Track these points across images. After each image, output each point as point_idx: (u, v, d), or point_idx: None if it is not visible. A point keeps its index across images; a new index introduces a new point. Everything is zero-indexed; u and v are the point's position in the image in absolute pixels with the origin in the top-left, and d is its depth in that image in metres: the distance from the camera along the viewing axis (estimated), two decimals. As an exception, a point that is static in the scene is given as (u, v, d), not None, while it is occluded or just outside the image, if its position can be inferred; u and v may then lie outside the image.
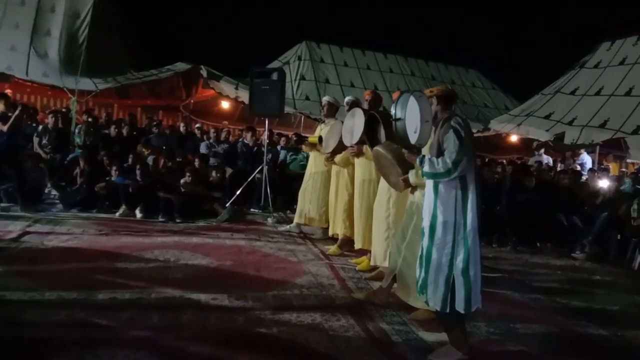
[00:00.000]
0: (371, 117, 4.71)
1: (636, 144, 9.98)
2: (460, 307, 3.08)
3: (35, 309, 3.48)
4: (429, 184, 3.23)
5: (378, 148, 4.25)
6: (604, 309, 4.61)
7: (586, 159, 11.17)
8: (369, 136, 4.72)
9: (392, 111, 3.23)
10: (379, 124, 4.62)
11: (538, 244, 7.41)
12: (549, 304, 4.60)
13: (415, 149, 3.28)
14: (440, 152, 3.14)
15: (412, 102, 3.17)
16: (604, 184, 8.47)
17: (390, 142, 4.19)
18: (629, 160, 11.50)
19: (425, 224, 3.23)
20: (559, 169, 10.85)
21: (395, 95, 4.79)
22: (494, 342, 3.53)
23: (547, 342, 3.61)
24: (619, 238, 7.05)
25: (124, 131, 9.56)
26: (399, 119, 3.20)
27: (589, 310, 4.48)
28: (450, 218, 3.11)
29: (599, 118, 11.13)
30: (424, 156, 3.20)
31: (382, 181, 4.77)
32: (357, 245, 5.33)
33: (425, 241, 3.20)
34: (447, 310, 3.09)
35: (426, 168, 3.14)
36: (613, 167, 11.38)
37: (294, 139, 10.38)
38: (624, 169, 11.48)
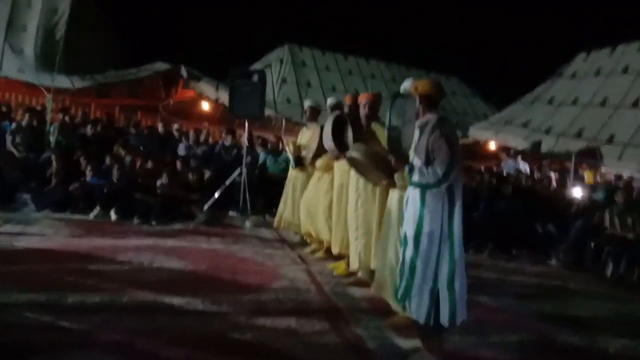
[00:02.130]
0: (339, 119, 4.71)
1: (610, 153, 10.21)
2: (444, 321, 3.04)
3: (3, 311, 3.37)
4: (415, 192, 3.11)
5: (352, 154, 4.16)
6: (577, 315, 4.67)
7: (522, 165, 11.54)
8: (337, 139, 4.73)
9: (387, 119, 3.10)
10: (347, 126, 4.63)
11: (514, 251, 7.49)
12: (524, 310, 4.64)
13: (404, 157, 3.18)
14: (428, 159, 3.06)
15: (403, 106, 3.07)
16: (577, 193, 8.63)
17: (359, 144, 4.11)
18: (603, 170, 11.73)
19: (410, 233, 3.11)
20: (536, 177, 11.03)
21: (362, 97, 4.78)
22: (468, 348, 3.53)
23: (521, 348, 3.63)
24: (593, 246, 7.17)
25: (101, 131, 9.38)
26: (394, 127, 3.08)
27: (563, 317, 4.53)
28: (436, 229, 3.02)
29: (575, 127, 11.38)
30: (412, 165, 3.11)
31: (351, 183, 4.78)
32: (335, 249, 5.31)
33: (409, 251, 3.10)
34: (431, 323, 3.05)
35: (415, 178, 3.03)
36: (588, 175, 11.60)
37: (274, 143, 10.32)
38: (598, 179, 11.71)
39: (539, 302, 4.96)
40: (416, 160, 3.11)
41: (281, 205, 6.62)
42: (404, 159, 3.17)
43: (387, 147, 3.19)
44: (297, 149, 6.34)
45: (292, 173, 6.58)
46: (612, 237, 6.92)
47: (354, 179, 4.73)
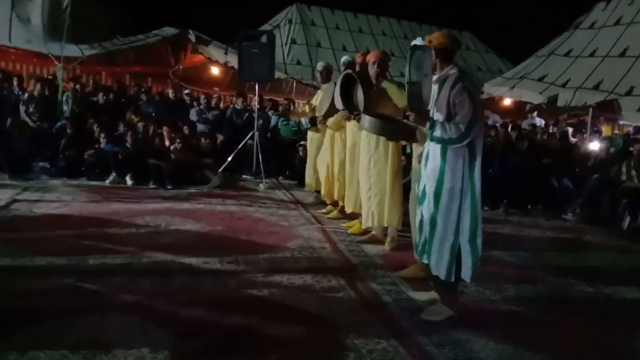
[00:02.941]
0: (348, 77, 4.63)
1: (629, 105, 9.95)
2: (466, 276, 3.04)
3: (25, 275, 3.47)
4: (436, 148, 3.04)
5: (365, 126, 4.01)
6: (593, 267, 4.68)
7: (537, 121, 11.31)
8: (345, 98, 4.65)
9: (406, 73, 2.99)
10: (357, 85, 4.54)
11: (529, 207, 7.45)
12: (539, 263, 4.65)
13: (425, 112, 3.09)
14: (449, 114, 2.99)
15: (421, 60, 2.94)
16: (594, 146, 8.48)
17: (368, 119, 3.86)
18: (621, 122, 11.49)
19: (429, 189, 3.07)
20: (551, 131, 10.84)
21: (372, 55, 4.66)
22: (483, 302, 3.56)
23: (537, 301, 3.65)
24: (609, 199, 7.09)
25: (112, 98, 9.39)
26: (414, 83, 2.97)
27: (578, 269, 4.53)
28: (457, 185, 2.97)
29: (593, 79, 11.07)
30: (434, 120, 3.03)
31: (363, 143, 4.75)
32: (348, 209, 5.32)
33: (429, 207, 3.07)
34: (452, 279, 3.06)
35: (437, 133, 2.95)
36: (605, 129, 11.37)
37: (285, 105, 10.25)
38: (616, 132, 11.48)
39: (554, 255, 4.97)
40: (437, 115, 3.04)
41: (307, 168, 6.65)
42: (424, 114, 3.09)
43: (408, 103, 3.11)
44: (313, 110, 6.29)
45: (309, 134, 6.55)
46: (628, 190, 6.82)
47: (366, 139, 4.69)
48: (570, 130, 11.05)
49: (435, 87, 3.11)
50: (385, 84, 4.53)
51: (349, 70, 5.07)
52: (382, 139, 4.41)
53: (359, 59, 5.30)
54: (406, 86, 2.99)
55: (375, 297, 3.45)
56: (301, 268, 3.96)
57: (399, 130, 3.78)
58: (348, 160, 5.29)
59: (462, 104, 2.93)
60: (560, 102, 11.22)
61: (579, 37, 12.89)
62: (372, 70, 4.61)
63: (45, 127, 8.48)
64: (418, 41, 3.40)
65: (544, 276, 4.26)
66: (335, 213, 5.89)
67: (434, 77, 3.08)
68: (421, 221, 3.21)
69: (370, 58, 4.68)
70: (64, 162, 7.49)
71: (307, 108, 6.53)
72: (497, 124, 10.77)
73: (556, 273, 4.35)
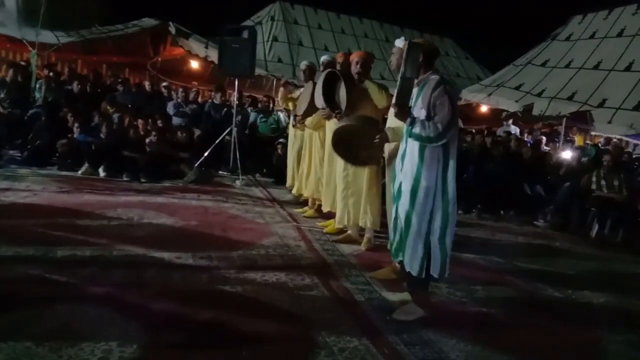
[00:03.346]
0: (331, 75, 4.63)
1: (601, 117, 10.22)
2: (435, 272, 3.11)
3: (-10, 264, 3.37)
4: (414, 147, 3.12)
5: (341, 125, 4.14)
6: (561, 273, 4.77)
7: (512, 129, 11.55)
8: (326, 96, 4.66)
9: (402, 67, 3.04)
10: (340, 83, 4.55)
11: (502, 212, 7.58)
12: (509, 267, 4.73)
13: (407, 108, 3.17)
14: (428, 115, 3.06)
15: (417, 58, 3.01)
16: (567, 155, 8.68)
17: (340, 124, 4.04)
18: (593, 133, 11.78)
19: (406, 187, 3.13)
20: (526, 139, 11.07)
21: (355, 55, 4.70)
22: (454, 303, 3.60)
23: (506, 303, 3.71)
24: (579, 207, 7.26)
25: (88, 88, 9.20)
26: (409, 78, 3.03)
27: (548, 274, 4.63)
28: (432, 184, 3.06)
29: (568, 90, 11.33)
30: (415, 117, 3.09)
31: None
32: (325, 208, 5.33)
33: (405, 205, 3.13)
34: (423, 276, 3.11)
35: (416, 130, 3.03)
36: (578, 139, 11.66)
37: (264, 102, 10.21)
38: (588, 142, 11.78)
39: (524, 260, 5.05)
40: (418, 112, 3.10)
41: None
42: (406, 109, 3.14)
43: (396, 97, 3.14)
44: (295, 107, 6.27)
45: (290, 133, 6.53)
46: (598, 199, 7.00)
47: None
48: (544, 139, 11.30)
49: (414, 90, 3.17)
50: (367, 84, 4.55)
51: (332, 69, 5.08)
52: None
53: (339, 59, 5.30)
54: (399, 80, 3.04)
55: (348, 295, 3.46)
56: (275, 265, 3.94)
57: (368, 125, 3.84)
58: (326, 160, 5.29)
59: (442, 106, 3.02)
60: (536, 111, 11.44)
61: (555, 48, 13.18)
62: (354, 69, 4.62)
63: (17, 114, 8.25)
64: (400, 42, 3.47)
65: (514, 280, 4.33)
66: (311, 212, 5.89)
67: (415, 80, 3.14)
68: (396, 219, 3.26)
69: (354, 58, 4.69)
70: (34, 151, 7.30)
71: (290, 105, 6.49)
72: (515, 133, 10.95)
73: (526, 277, 4.43)
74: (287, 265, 3.99)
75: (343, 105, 4.54)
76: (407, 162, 3.17)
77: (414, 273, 3.13)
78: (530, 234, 6.66)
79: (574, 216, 7.24)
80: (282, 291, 3.41)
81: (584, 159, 8.91)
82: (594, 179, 7.26)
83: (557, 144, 10.41)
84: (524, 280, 4.32)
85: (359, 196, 4.67)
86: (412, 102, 3.19)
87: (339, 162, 4.78)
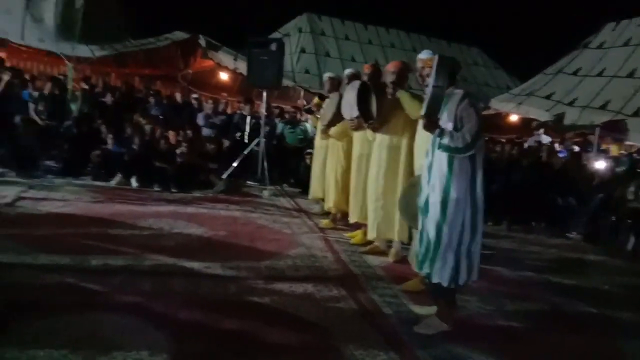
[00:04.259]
0: (364, 87, 4.64)
1: (636, 126, 9.92)
2: (462, 279, 3.11)
3: (27, 272, 3.48)
4: (442, 158, 3.13)
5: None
6: (593, 287, 4.65)
7: (544, 138, 11.27)
8: (361, 107, 4.66)
9: (432, 76, 3.05)
10: (371, 94, 4.55)
11: (533, 224, 7.43)
12: (541, 281, 4.63)
13: (436, 119, 3.18)
14: (455, 127, 3.09)
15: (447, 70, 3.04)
16: (600, 165, 8.47)
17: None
18: (627, 143, 11.46)
19: (435, 199, 3.14)
20: (557, 149, 10.84)
21: (391, 65, 4.68)
22: (483, 317, 3.55)
23: (536, 318, 3.64)
24: (613, 220, 7.06)
25: (121, 99, 9.46)
26: (440, 86, 3.06)
27: (580, 289, 4.51)
28: (462, 195, 3.08)
29: (600, 99, 11.05)
30: (443, 129, 3.11)
31: (374, 154, 4.75)
32: (352, 219, 5.32)
33: (435, 217, 3.12)
34: (453, 285, 3.11)
35: (445, 141, 3.06)
36: (613, 149, 11.35)
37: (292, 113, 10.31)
38: (623, 152, 11.46)
39: (556, 273, 4.94)
40: (446, 124, 3.12)
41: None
42: (435, 120, 3.16)
43: (426, 106, 3.15)
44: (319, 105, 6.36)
45: (316, 143, 6.56)
46: (634, 211, 6.79)
47: (377, 149, 4.68)
48: (575, 148, 11.05)
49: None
50: (400, 94, 4.42)
51: (360, 80, 5.09)
52: (393, 151, 4.46)
53: (367, 70, 5.30)
54: (431, 89, 3.06)
55: (375, 308, 3.45)
56: (302, 276, 3.96)
57: None
58: (355, 170, 5.28)
59: (470, 118, 3.05)
60: (567, 121, 11.19)
61: (587, 56, 12.89)
62: (390, 79, 4.53)
63: (53, 126, 8.54)
64: (424, 54, 3.53)
65: (545, 294, 4.24)
66: (327, 222, 5.88)
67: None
68: (422, 232, 3.24)
69: (390, 68, 4.59)
70: (69, 162, 7.53)
71: (316, 100, 6.57)
72: (547, 142, 10.77)
73: (557, 291, 4.33)
74: (314, 276, 4.01)
75: (375, 116, 4.54)
76: (435, 174, 3.17)
77: (445, 284, 3.12)
78: (562, 246, 6.51)
79: (608, 228, 7.04)
80: (309, 302, 3.42)
81: (618, 169, 8.68)
82: (630, 189, 7.05)
83: (590, 154, 10.16)
84: (556, 295, 4.23)
85: (390, 208, 4.63)
86: (441, 114, 3.19)
87: (371, 173, 4.75)
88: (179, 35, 12.51)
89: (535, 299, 4.07)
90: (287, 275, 3.97)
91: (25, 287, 3.25)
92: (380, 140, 4.65)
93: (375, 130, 4.65)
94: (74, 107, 9.11)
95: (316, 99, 6.72)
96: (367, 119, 4.63)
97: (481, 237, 3.16)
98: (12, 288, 3.21)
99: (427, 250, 3.19)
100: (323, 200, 6.41)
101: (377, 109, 4.49)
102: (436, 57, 3.17)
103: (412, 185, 3.77)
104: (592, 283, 4.79)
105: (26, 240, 4.14)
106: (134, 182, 7.19)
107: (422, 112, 3.23)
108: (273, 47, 7.87)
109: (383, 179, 4.60)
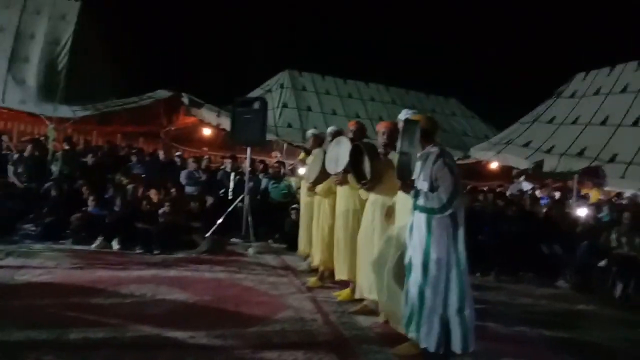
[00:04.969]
0: (356, 148, 4.67)
1: (613, 172, 10.17)
2: (457, 348, 3.01)
3: (2, 352, 3.29)
4: (420, 219, 3.13)
5: None
6: (588, 341, 4.58)
7: (524, 185, 11.45)
8: (354, 167, 4.68)
9: (398, 143, 3.12)
10: (364, 155, 4.58)
11: (521, 273, 7.40)
12: (535, 336, 4.54)
13: (410, 181, 3.19)
14: (431, 187, 3.09)
15: (413, 132, 3.07)
16: (582, 212, 8.57)
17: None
18: (606, 188, 11.68)
19: (417, 261, 3.12)
20: (538, 195, 10.98)
21: (381, 125, 4.75)
22: (480, 380, 3.44)
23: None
24: (601, 266, 7.07)
25: (102, 159, 9.40)
26: (405, 153, 3.08)
27: (574, 343, 4.44)
28: (443, 256, 3.05)
29: (577, 147, 11.36)
30: (418, 190, 3.13)
31: (366, 212, 4.71)
32: (338, 276, 5.22)
33: (417, 279, 3.09)
34: (442, 351, 3.00)
35: (421, 202, 3.07)
36: (593, 194, 11.54)
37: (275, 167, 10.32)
38: (602, 197, 11.65)
39: (549, 327, 4.86)
40: (421, 184, 3.14)
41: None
42: (409, 183, 3.19)
43: (396, 171, 3.18)
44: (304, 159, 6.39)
45: (302, 199, 6.54)
46: (619, 257, 6.82)
47: (370, 207, 4.64)
48: (556, 194, 11.21)
49: (418, 163, 3.22)
50: (392, 155, 4.42)
51: (345, 137, 5.13)
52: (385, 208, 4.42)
53: (352, 127, 5.37)
54: (397, 155, 3.10)
55: (368, 376, 3.32)
56: (291, 343, 3.82)
57: None
58: (339, 227, 5.24)
59: (444, 178, 3.09)
60: (546, 168, 11.43)
61: (561, 105, 13.35)
62: (380, 139, 4.58)
63: (33, 188, 8.39)
64: (404, 114, 3.61)
65: (541, 350, 4.15)
66: (314, 280, 5.75)
67: (418, 154, 3.20)
68: (407, 292, 3.19)
69: (380, 128, 4.67)
70: (48, 225, 7.34)
71: (302, 155, 6.61)
72: (528, 190, 10.87)
73: (552, 347, 4.25)
74: (304, 342, 3.87)
75: (368, 176, 4.53)
76: (416, 234, 3.19)
77: (431, 349, 3.04)
78: (552, 296, 6.45)
79: (595, 276, 7.04)
80: (300, 373, 3.29)
81: (600, 216, 8.79)
82: (613, 236, 7.11)
83: (570, 201, 10.31)
84: (551, 351, 4.14)
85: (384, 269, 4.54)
86: (416, 175, 3.24)
87: (365, 232, 4.67)
88: (162, 93, 12.66)
89: (531, 357, 3.97)
90: (275, 342, 3.83)
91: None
92: (374, 199, 4.62)
93: (368, 190, 4.64)
94: (54, 168, 9.00)
95: (302, 154, 6.77)
96: (360, 179, 4.63)
97: (472, 298, 3.10)
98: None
99: (412, 312, 3.13)
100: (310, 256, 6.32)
101: (370, 169, 4.48)
102: (401, 123, 3.22)
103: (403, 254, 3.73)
104: (585, 336, 4.73)
105: (1, 314, 3.95)
106: (115, 245, 7.01)
107: (397, 176, 3.26)
108: (256, 105, 7.98)
109: (379, 239, 4.49)
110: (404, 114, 3.80)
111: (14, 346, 3.39)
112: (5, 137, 10.16)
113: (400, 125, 3.72)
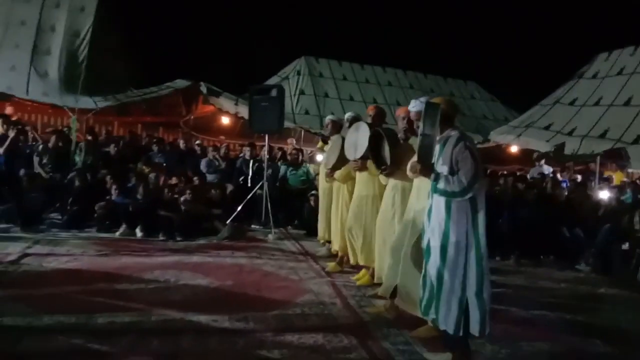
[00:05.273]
0: (375, 134, 4.68)
1: (636, 154, 9.95)
2: (475, 330, 3.04)
3: (33, 335, 3.43)
4: (440, 202, 3.14)
5: None
6: (609, 324, 4.55)
7: (545, 169, 11.24)
8: (374, 153, 4.69)
9: (420, 125, 3.12)
10: (383, 141, 4.58)
11: (541, 257, 7.35)
12: (555, 320, 4.54)
13: (430, 165, 3.21)
14: (452, 171, 3.10)
15: (435, 115, 3.08)
16: (604, 195, 8.44)
17: None
18: (629, 170, 11.46)
19: (435, 243, 3.14)
20: (560, 178, 10.84)
21: (401, 110, 4.74)
22: (499, 362, 3.47)
23: (554, 360, 3.55)
24: (623, 249, 6.98)
25: (124, 149, 9.57)
26: (427, 135, 3.11)
27: (595, 326, 4.42)
28: (462, 238, 3.06)
29: (599, 128, 11.12)
30: (439, 173, 3.14)
31: (386, 196, 4.73)
32: (360, 261, 5.27)
33: (435, 262, 3.11)
34: (460, 333, 3.04)
35: (441, 185, 3.08)
36: (617, 176, 11.34)
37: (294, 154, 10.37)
38: (625, 179, 11.44)
39: (570, 311, 4.85)
40: (441, 168, 3.15)
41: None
42: (429, 166, 3.20)
43: (417, 154, 3.20)
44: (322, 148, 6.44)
45: (321, 185, 6.59)
46: (641, 240, 6.73)
47: (390, 194, 4.65)
48: (578, 177, 11.05)
49: (437, 147, 3.22)
50: (412, 140, 4.40)
51: (369, 126, 5.12)
52: (408, 195, 4.40)
53: (370, 112, 5.37)
54: (419, 137, 3.11)
55: (387, 357, 3.38)
56: (312, 326, 3.90)
57: None
58: (356, 212, 5.27)
59: (465, 161, 3.08)
60: (567, 151, 11.23)
61: (582, 86, 13.05)
62: (400, 124, 4.56)
63: (57, 179, 8.60)
64: (413, 104, 3.65)
65: (560, 334, 4.15)
66: (333, 265, 5.83)
67: (437, 138, 3.20)
68: (425, 276, 3.22)
69: (400, 113, 4.63)
70: (73, 214, 7.54)
71: (320, 144, 6.66)
72: (549, 174, 10.74)
73: (572, 330, 4.24)
74: (324, 325, 3.94)
75: (388, 161, 4.54)
76: (434, 217, 3.19)
77: (450, 331, 3.07)
78: (573, 279, 6.41)
79: (617, 259, 6.96)
80: (320, 355, 3.36)
81: (623, 198, 8.65)
82: (636, 218, 7.01)
83: (593, 184, 10.16)
84: (571, 334, 4.14)
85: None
86: (435, 159, 3.24)
87: (386, 220, 4.67)
88: (181, 83, 12.75)
89: (552, 340, 3.97)
90: (296, 325, 3.91)
91: (31, 352, 3.19)
92: (394, 184, 4.63)
93: (388, 175, 4.65)
94: (78, 158, 9.20)
95: (320, 143, 6.79)
96: (379, 164, 4.64)
97: (490, 281, 3.11)
98: (17, 354, 3.15)
99: (431, 295, 3.16)
100: (330, 242, 6.38)
101: (390, 155, 4.49)
102: (424, 105, 3.22)
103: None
104: (607, 320, 4.70)
105: (32, 300, 4.10)
106: (138, 232, 7.18)
107: (416, 159, 3.27)
108: (274, 93, 8.02)
109: (398, 224, 4.52)
110: (413, 104, 3.82)
111: (44, 330, 3.52)
112: (29, 128, 10.40)
113: (412, 115, 3.80)
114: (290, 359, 3.28)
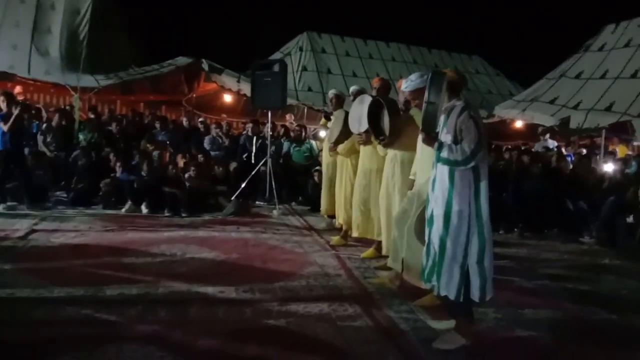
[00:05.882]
0: (376, 102, 4.66)
1: (642, 126, 9.90)
2: (475, 296, 3.08)
3: (44, 306, 3.50)
4: (443, 171, 3.15)
5: None
6: (611, 293, 4.58)
7: (550, 143, 11.19)
8: (372, 122, 4.67)
9: (426, 93, 3.12)
10: (383, 110, 4.56)
11: (545, 230, 7.37)
12: (557, 289, 4.57)
13: (434, 134, 3.21)
14: (455, 140, 3.11)
15: (441, 85, 3.07)
16: (609, 168, 8.41)
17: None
18: (635, 143, 11.40)
19: (438, 212, 3.16)
20: (565, 153, 10.80)
21: (402, 83, 4.71)
22: (501, 329, 3.51)
23: (556, 328, 3.59)
24: (627, 222, 6.98)
25: (127, 127, 9.57)
26: (433, 103, 3.10)
27: (598, 295, 4.46)
28: (465, 207, 3.08)
29: (605, 101, 11.04)
30: (442, 142, 3.14)
31: (386, 167, 4.74)
32: (357, 233, 5.30)
33: (438, 230, 3.14)
34: (461, 299, 3.08)
35: (444, 154, 3.08)
36: (620, 149, 11.29)
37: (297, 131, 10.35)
38: (630, 152, 11.39)
39: (572, 280, 4.89)
40: (445, 137, 3.15)
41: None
42: (434, 135, 3.20)
43: (422, 122, 3.19)
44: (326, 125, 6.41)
45: (324, 160, 6.58)
46: (647, 213, 6.72)
47: (390, 164, 4.66)
48: (584, 151, 11.00)
49: (442, 117, 3.22)
50: (413, 111, 4.42)
51: (369, 95, 5.10)
52: (407, 166, 4.41)
53: (375, 84, 5.32)
54: (424, 105, 3.10)
55: (392, 325, 3.43)
56: (317, 296, 3.95)
57: None
58: (361, 185, 5.28)
59: (469, 130, 3.07)
60: (573, 124, 11.18)
61: (588, 59, 12.91)
62: (402, 96, 4.55)
63: (62, 157, 8.64)
64: (404, 83, 3.69)
65: (563, 302, 4.18)
66: (337, 239, 5.86)
67: (442, 107, 3.18)
68: (429, 244, 3.25)
69: (401, 85, 4.67)
70: (79, 192, 7.60)
71: (323, 120, 6.64)
72: (554, 148, 10.69)
73: (575, 299, 4.27)
74: (329, 295, 3.99)
75: (387, 132, 4.52)
76: (438, 187, 3.20)
77: (451, 297, 3.11)
78: (576, 251, 6.44)
79: (621, 231, 6.97)
80: (326, 323, 3.41)
81: (628, 171, 8.62)
82: (640, 191, 6.98)
83: (598, 157, 10.12)
84: (573, 303, 4.17)
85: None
86: (440, 128, 3.24)
87: (385, 189, 4.71)
88: (182, 60, 12.72)
89: (553, 308, 4.01)
90: (301, 295, 3.96)
91: (42, 322, 3.25)
92: (393, 155, 4.63)
93: (386, 146, 4.64)
94: (82, 137, 9.23)
95: (323, 120, 6.77)
96: (378, 135, 4.64)
97: (492, 250, 3.13)
98: (29, 323, 3.22)
99: (434, 262, 3.20)
100: (334, 217, 6.41)
101: (390, 125, 4.48)
102: (429, 73, 3.20)
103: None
104: (609, 289, 4.73)
105: (41, 273, 4.17)
106: (144, 209, 7.23)
107: (420, 127, 3.27)
108: (276, 68, 7.97)
109: (399, 195, 4.54)
110: (404, 83, 3.83)
111: (55, 301, 3.59)
112: (40, 106, 10.43)
113: (406, 94, 3.88)
114: (296, 327, 3.33)
